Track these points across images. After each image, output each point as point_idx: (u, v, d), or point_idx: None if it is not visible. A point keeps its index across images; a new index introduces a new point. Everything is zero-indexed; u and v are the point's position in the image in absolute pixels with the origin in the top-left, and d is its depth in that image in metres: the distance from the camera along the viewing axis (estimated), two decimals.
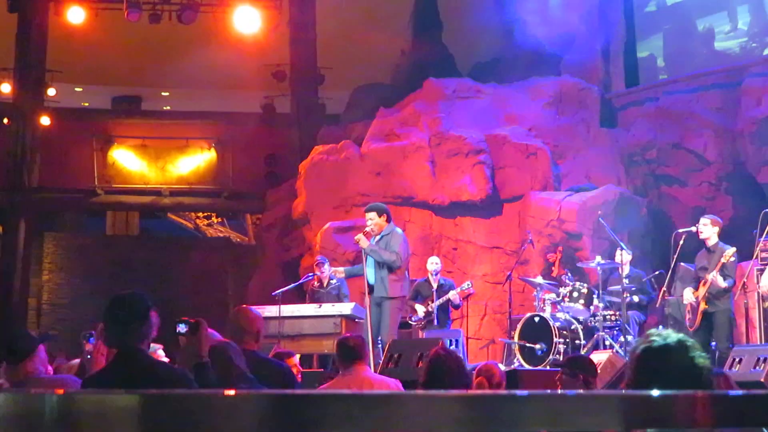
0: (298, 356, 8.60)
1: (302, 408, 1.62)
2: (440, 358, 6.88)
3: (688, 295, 11.72)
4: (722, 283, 11.44)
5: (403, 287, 11.83)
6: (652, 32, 17.88)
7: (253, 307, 6.42)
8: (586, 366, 7.10)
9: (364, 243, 11.57)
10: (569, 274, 13.72)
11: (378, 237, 11.70)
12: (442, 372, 6.70)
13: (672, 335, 3.47)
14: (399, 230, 12.14)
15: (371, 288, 11.59)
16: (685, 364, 3.36)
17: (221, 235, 28.91)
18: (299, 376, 8.29)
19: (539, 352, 12.39)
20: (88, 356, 6.87)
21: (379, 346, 11.29)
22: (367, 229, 11.71)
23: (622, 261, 12.89)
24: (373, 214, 11.83)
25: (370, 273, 11.62)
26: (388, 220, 11.85)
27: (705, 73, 16.18)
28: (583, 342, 12.54)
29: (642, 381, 3.41)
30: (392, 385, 7.57)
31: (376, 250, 11.56)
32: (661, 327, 13.15)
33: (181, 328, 5.20)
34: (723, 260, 11.38)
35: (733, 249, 11.39)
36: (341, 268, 13.02)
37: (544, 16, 17.53)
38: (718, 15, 16.65)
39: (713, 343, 11.61)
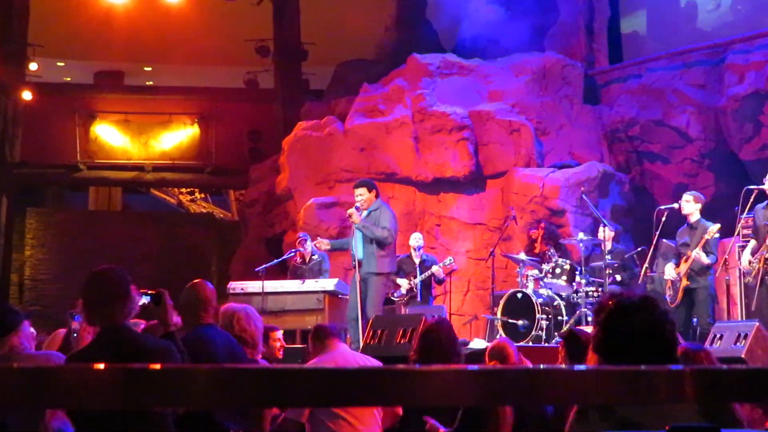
0: (281, 331, 8.61)
1: (282, 382, 1.63)
2: (431, 333, 6.96)
3: (670, 271, 11.79)
4: (705, 260, 11.51)
5: (390, 263, 11.90)
6: (635, 8, 17.88)
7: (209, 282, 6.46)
8: (572, 341, 7.16)
9: (356, 218, 11.61)
10: (552, 251, 13.78)
11: (366, 212, 11.74)
12: (434, 345, 6.77)
13: (637, 295, 3.60)
14: (387, 206, 12.20)
15: (359, 263, 11.63)
16: (650, 321, 3.47)
17: (204, 210, 28.84)
18: (281, 351, 8.34)
19: (522, 328, 12.46)
20: (74, 334, 6.87)
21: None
22: (357, 204, 11.76)
23: (604, 237, 12.95)
24: (363, 190, 11.88)
25: (358, 248, 11.65)
26: (377, 196, 11.93)
27: (688, 50, 16.20)
28: (565, 318, 12.60)
29: (608, 338, 3.51)
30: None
31: (368, 227, 11.60)
32: None
33: (144, 299, 5.20)
34: (707, 236, 11.44)
35: (717, 225, 11.45)
36: (326, 240, 12.98)
37: None
38: None
39: (694, 319, 11.69)
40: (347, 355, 7.34)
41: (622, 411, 3.34)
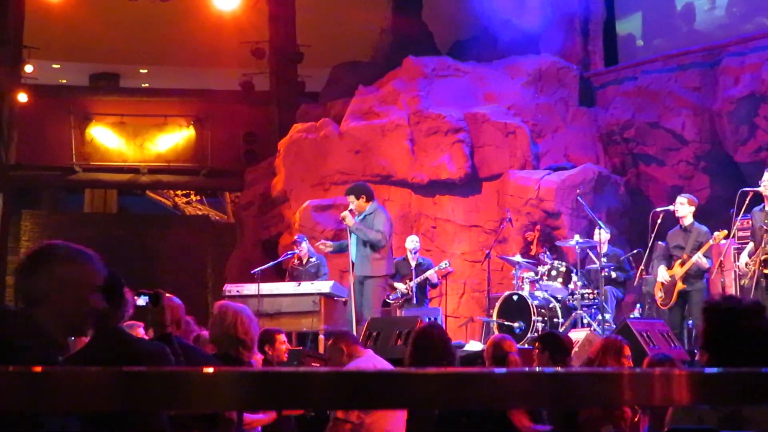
0: (284, 334, 8.57)
1: (280, 385, 1.63)
2: (425, 333, 6.97)
3: (663, 273, 11.79)
4: (707, 264, 11.54)
5: (386, 266, 11.86)
6: (631, 10, 17.89)
7: (175, 297, 6.44)
8: (553, 343, 7.18)
9: (349, 221, 11.59)
10: (548, 253, 13.78)
11: (361, 216, 11.72)
12: (427, 347, 6.78)
13: (749, 300, 3.73)
14: (382, 208, 12.17)
15: (353, 265, 11.62)
16: (761, 326, 3.59)
17: (200, 213, 28.83)
18: (286, 354, 8.31)
19: (517, 331, 12.45)
20: (71, 337, 6.86)
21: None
22: (351, 207, 11.75)
23: (600, 240, 12.94)
24: (351, 198, 11.87)
25: (353, 251, 11.64)
26: (369, 200, 11.86)
27: (683, 52, 16.21)
28: (561, 320, 12.60)
29: (719, 338, 3.60)
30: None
31: (361, 229, 11.58)
32: (638, 305, 13.27)
33: (142, 300, 5.17)
34: (712, 242, 11.48)
35: (725, 231, 11.45)
36: (329, 242, 12.94)
37: None
38: None
39: (689, 321, 11.71)
40: (379, 359, 7.31)
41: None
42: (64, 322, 3.30)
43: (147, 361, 4.50)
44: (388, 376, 1.70)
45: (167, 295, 6.28)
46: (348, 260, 12.05)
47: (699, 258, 11.48)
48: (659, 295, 11.86)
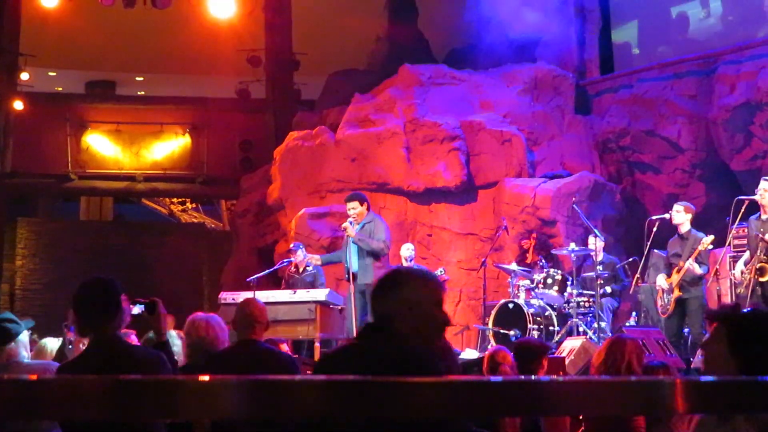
0: (285, 345, 8.54)
1: (277, 394, 1.62)
2: None
3: (662, 281, 11.80)
4: (698, 270, 11.54)
5: None
6: (626, 19, 17.93)
7: (259, 299, 6.43)
8: (519, 353, 7.25)
9: (351, 232, 11.63)
10: (543, 261, 13.78)
11: (359, 225, 11.76)
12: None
13: None
14: (380, 218, 12.24)
15: (354, 276, 11.64)
16: None
17: (196, 221, 28.81)
18: None
19: (513, 339, 12.43)
20: (69, 345, 6.87)
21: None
22: (350, 219, 11.78)
23: (595, 248, 12.94)
24: (355, 204, 11.91)
25: (353, 261, 11.66)
26: (368, 209, 11.96)
27: (679, 60, 16.24)
28: (557, 328, 12.60)
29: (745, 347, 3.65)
30: None
31: (364, 239, 11.62)
32: (634, 313, 13.28)
33: (138, 309, 5.17)
34: (700, 247, 11.48)
35: (711, 237, 11.48)
36: (317, 256, 13.03)
37: (520, 2, 17.54)
38: (693, 2, 16.72)
39: (686, 329, 11.72)
40: None
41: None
42: (415, 335, 3.66)
43: (143, 369, 4.50)
44: (386, 384, 1.70)
45: (248, 297, 6.27)
46: (342, 269, 12.08)
47: (690, 264, 11.49)
48: (660, 303, 11.87)
